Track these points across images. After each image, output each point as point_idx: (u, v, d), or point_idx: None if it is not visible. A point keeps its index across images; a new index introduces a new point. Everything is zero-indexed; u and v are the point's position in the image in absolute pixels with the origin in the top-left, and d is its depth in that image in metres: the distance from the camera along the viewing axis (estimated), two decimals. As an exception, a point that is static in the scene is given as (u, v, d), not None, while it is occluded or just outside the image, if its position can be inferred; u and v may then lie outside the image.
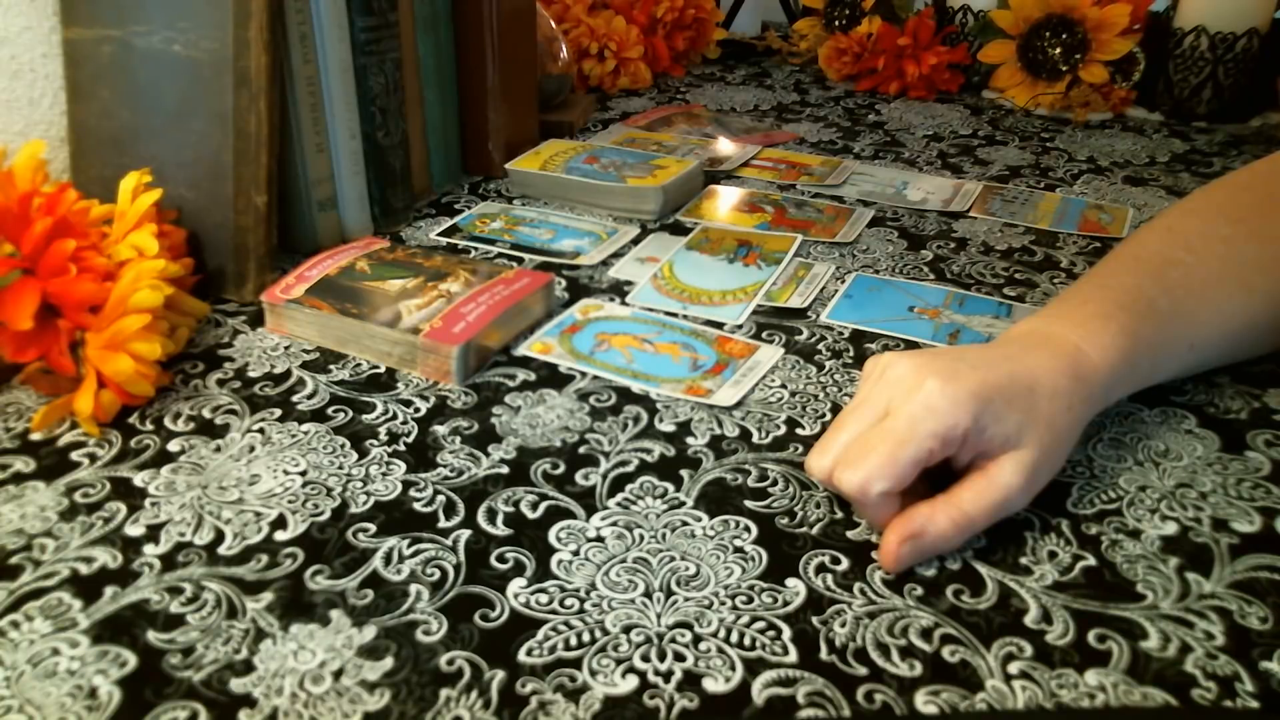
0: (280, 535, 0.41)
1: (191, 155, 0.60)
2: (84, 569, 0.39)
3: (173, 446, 0.47)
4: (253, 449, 0.47)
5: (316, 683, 0.34)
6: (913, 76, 1.14)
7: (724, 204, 0.79)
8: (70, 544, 0.40)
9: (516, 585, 0.38)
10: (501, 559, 0.40)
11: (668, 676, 0.34)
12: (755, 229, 0.73)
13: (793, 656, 0.35)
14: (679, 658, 0.35)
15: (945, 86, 1.17)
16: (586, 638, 0.36)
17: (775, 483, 0.45)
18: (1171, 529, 0.42)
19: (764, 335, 0.58)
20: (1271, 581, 0.39)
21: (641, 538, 0.41)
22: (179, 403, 0.50)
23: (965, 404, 0.39)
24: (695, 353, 0.55)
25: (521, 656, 0.35)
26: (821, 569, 0.40)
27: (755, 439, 0.48)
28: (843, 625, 0.37)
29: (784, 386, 0.53)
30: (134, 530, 0.41)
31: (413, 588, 0.38)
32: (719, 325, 0.59)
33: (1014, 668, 0.35)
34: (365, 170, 0.69)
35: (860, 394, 0.42)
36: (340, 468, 0.45)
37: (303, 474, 0.45)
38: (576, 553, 0.40)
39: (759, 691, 0.34)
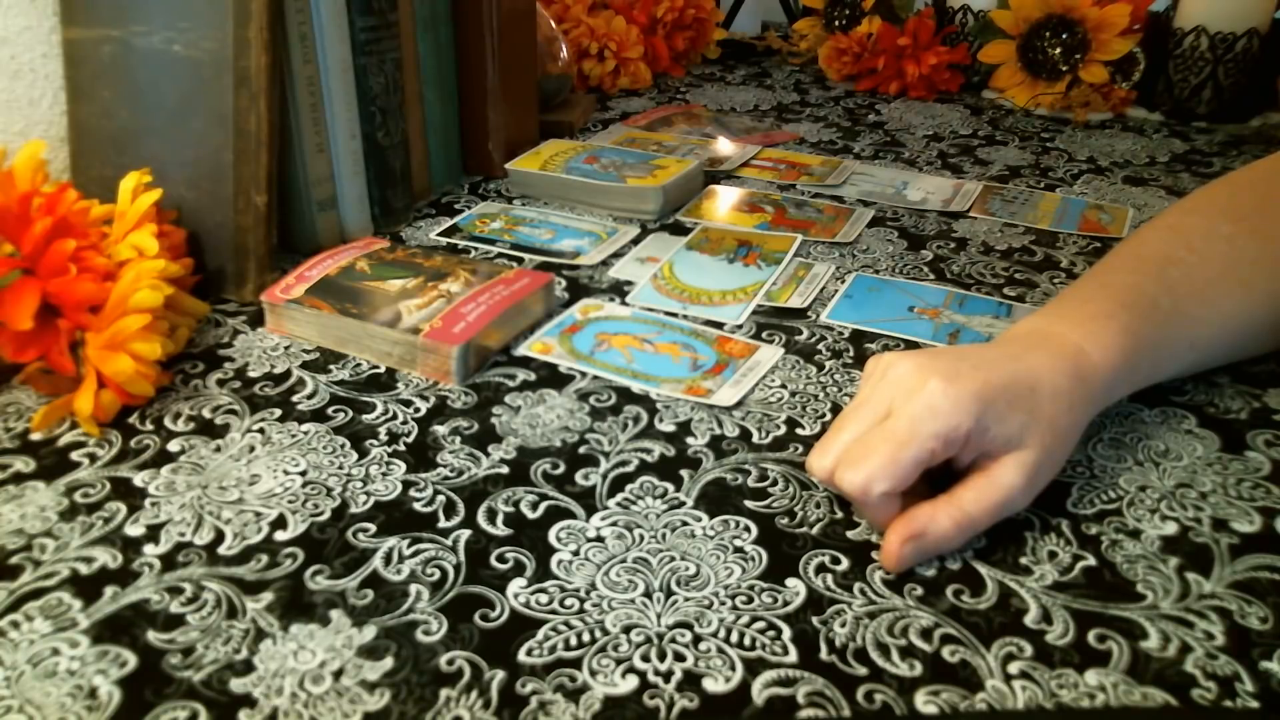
0: (280, 535, 0.41)
1: (191, 155, 0.60)
2: (84, 569, 0.39)
3: (173, 446, 0.47)
4: (253, 449, 0.47)
5: (316, 683, 0.34)
6: (913, 76, 1.14)
7: (724, 204, 0.79)
8: (70, 544, 0.40)
9: (516, 585, 0.38)
10: (501, 559, 0.40)
11: (668, 676, 0.34)
12: (755, 229, 0.73)
13: (793, 656, 0.35)
14: (679, 658, 0.35)
15: (945, 86, 1.17)
16: (586, 638, 0.36)
17: (775, 483, 0.45)
18: (1171, 529, 0.42)
19: (764, 335, 0.58)
20: (1271, 581, 0.39)
21: (641, 538, 0.41)
22: (179, 403, 0.50)
23: (967, 405, 0.39)
24: (695, 353, 0.55)
25: (521, 656, 0.35)
26: (821, 569, 0.40)
27: (755, 439, 0.48)
28: (843, 625, 0.37)
29: (784, 386, 0.53)
30: (134, 530, 0.41)
31: (413, 588, 0.38)
32: (719, 325, 0.59)
33: (1014, 668, 0.35)
34: (365, 170, 0.69)
35: (861, 394, 0.42)
36: (340, 468, 0.45)
37: (303, 474, 0.45)
38: (576, 553, 0.40)
39: (759, 691, 0.34)
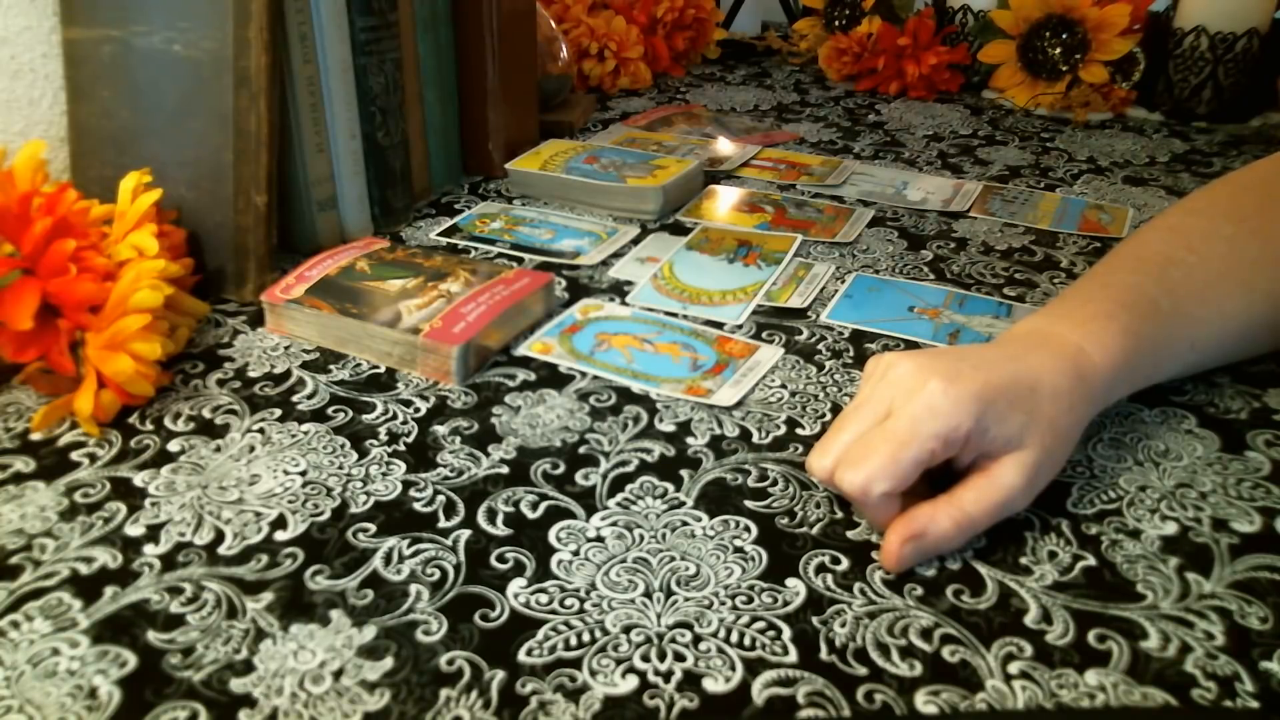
0: (280, 535, 0.41)
1: (191, 155, 0.60)
2: (84, 569, 0.39)
3: (173, 446, 0.47)
4: (253, 449, 0.47)
5: (316, 683, 0.34)
6: (913, 76, 1.14)
7: (724, 204, 0.79)
8: (70, 544, 0.40)
9: (516, 585, 0.38)
10: (501, 559, 0.40)
11: (668, 676, 0.34)
12: (755, 229, 0.73)
13: (793, 656, 0.35)
14: (679, 658, 0.35)
15: (945, 86, 1.17)
16: (586, 638, 0.36)
17: (775, 483, 0.45)
18: (1171, 529, 0.42)
19: (764, 335, 0.58)
20: (1271, 581, 0.39)
21: (641, 538, 0.41)
22: (179, 403, 0.50)
23: (968, 405, 0.39)
24: (695, 353, 0.55)
25: (521, 656, 0.35)
26: (821, 569, 0.40)
27: (755, 439, 0.48)
28: (843, 625, 0.37)
29: (784, 386, 0.53)
30: (134, 530, 0.41)
31: (413, 588, 0.38)
32: (719, 325, 0.59)
33: (1014, 668, 0.35)
34: (365, 170, 0.69)
35: (862, 394, 0.42)
36: (340, 468, 0.45)
37: (303, 474, 0.45)
38: (576, 553, 0.40)
39: (759, 691, 0.34)
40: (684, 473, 0.45)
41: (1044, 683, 0.34)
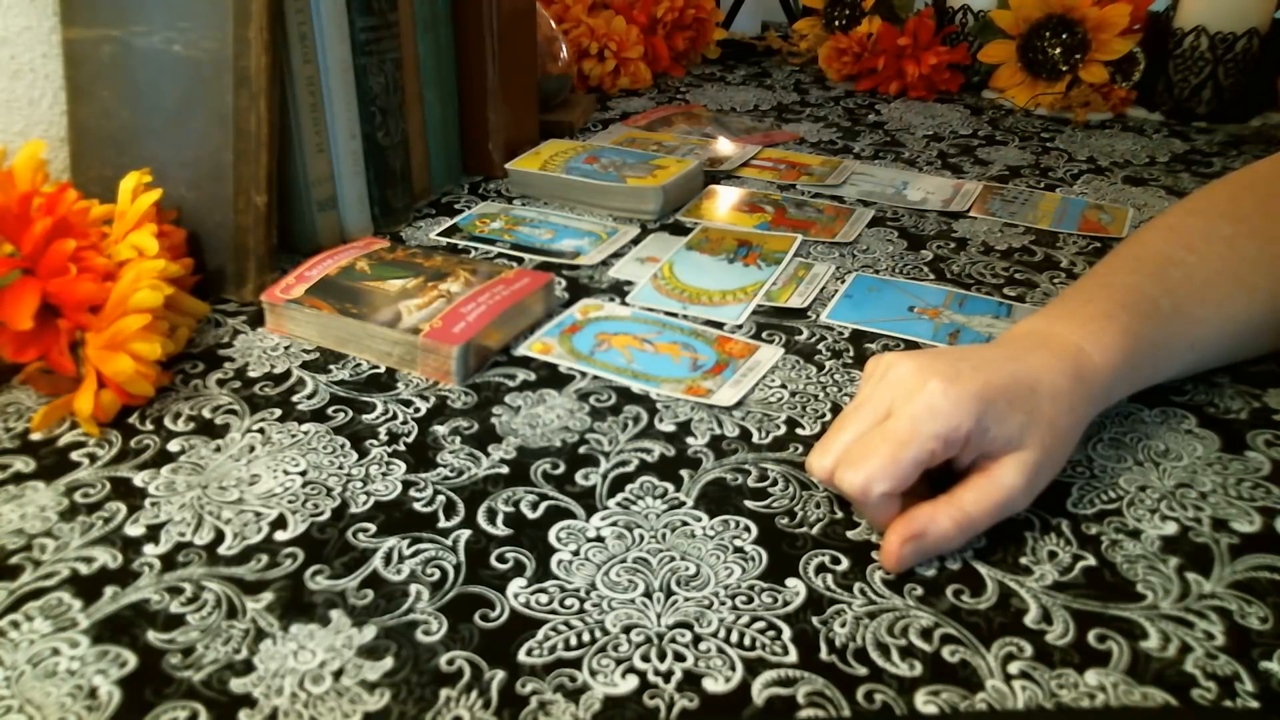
0: (280, 535, 0.41)
1: (191, 155, 0.60)
2: (84, 569, 0.39)
3: (173, 446, 0.47)
4: (253, 449, 0.47)
5: (316, 683, 0.34)
6: (913, 76, 1.14)
7: (724, 204, 0.79)
8: (70, 544, 0.40)
9: (516, 585, 0.38)
10: (501, 559, 0.40)
11: (668, 676, 0.34)
12: (755, 229, 0.73)
13: (793, 656, 0.35)
14: (679, 658, 0.35)
15: (945, 86, 1.17)
16: (586, 638, 0.36)
17: (775, 483, 0.45)
18: (1171, 529, 0.42)
19: (764, 335, 0.58)
20: (1271, 581, 0.39)
21: (641, 538, 0.41)
22: (179, 403, 0.50)
23: (968, 405, 0.39)
24: (695, 353, 0.55)
25: (521, 656, 0.35)
26: (821, 569, 0.40)
27: (755, 439, 0.48)
28: (843, 625, 0.37)
29: (784, 386, 0.53)
30: (134, 530, 0.41)
31: (413, 588, 0.38)
32: (719, 325, 0.59)
33: (1014, 668, 0.35)
34: (365, 170, 0.69)
35: (862, 394, 0.42)
36: (340, 468, 0.45)
37: (303, 474, 0.45)
38: (576, 553, 0.40)
39: (759, 691, 0.34)
40: (684, 473, 0.45)
41: (1044, 683, 0.34)
